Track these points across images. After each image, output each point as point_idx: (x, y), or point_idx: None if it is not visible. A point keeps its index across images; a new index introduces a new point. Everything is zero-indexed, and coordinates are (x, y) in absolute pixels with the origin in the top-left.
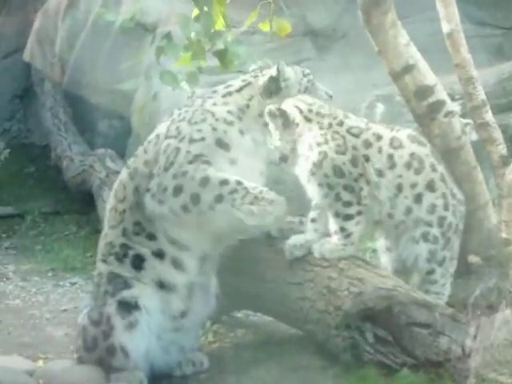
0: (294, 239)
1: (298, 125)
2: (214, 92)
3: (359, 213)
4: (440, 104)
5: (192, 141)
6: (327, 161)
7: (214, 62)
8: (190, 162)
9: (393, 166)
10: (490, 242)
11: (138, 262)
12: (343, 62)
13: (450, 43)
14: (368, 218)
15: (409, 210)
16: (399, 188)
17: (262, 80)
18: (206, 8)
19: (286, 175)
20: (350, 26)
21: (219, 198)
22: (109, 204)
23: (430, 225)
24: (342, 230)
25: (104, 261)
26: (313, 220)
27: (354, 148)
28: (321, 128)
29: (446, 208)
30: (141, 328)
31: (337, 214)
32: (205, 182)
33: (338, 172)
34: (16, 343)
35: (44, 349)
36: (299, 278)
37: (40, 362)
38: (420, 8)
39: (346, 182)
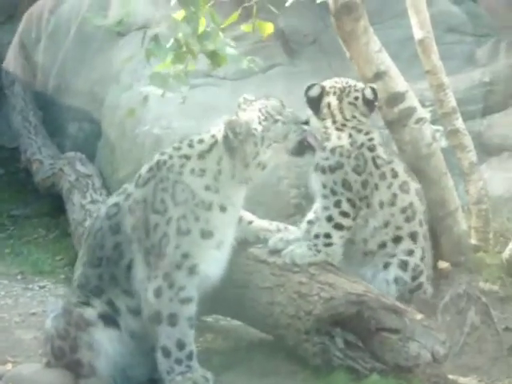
0: (284, 235)
1: (326, 128)
2: (191, 146)
3: (349, 228)
4: (411, 110)
5: (179, 232)
6: (341, 172)
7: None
8: (178, 267)
9: (393, 204)
10: (460, 248)
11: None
12: (314, 68)
13: (422, 50)
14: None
15: (383, 245)
16: (386, 224)
17: (220, 138)
18: (193, 8)
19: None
20: (322, 32)
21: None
22: (85, 235)
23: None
24: (327, 236)
25: (79, 286)
26: (309, 222)
27: (371, 174)
28: (351, 144)
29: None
30: (107, 344)
31: (329, 219)
32: (173, 320)
33: (347, 185)
34: None
35: (13, 352)
36: (269, 283)
37: (9, 366)
38: (392, 15)
39: (351, 197)
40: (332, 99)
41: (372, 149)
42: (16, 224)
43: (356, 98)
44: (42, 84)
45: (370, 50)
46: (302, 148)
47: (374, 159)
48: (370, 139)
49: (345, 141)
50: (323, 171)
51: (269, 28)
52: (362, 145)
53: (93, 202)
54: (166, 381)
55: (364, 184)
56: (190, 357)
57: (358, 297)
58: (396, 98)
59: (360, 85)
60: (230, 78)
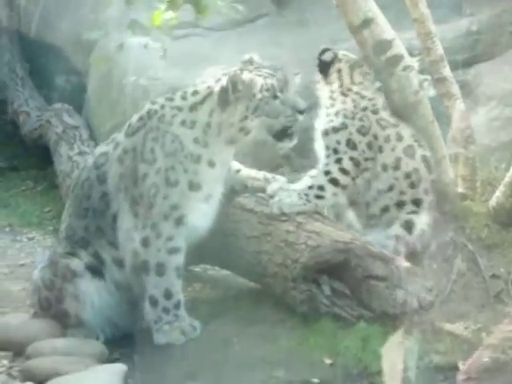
0: (282, 184)
1: (332, 92)
2: (184, 98)
3: (344, 187)
4: (398, 58)
5: (168, 183)
6: (345, 132)
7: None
8: (166, 218)
9: (396, 168)
10: (447, 197)
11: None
12: (302, 18)
13: None
14: (348, 196)
15: (386, 209)
16: (391, 188)
17: (217, 89)
18: None
19: None
20: None
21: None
22: (72, 186)
23: None
24: (320, 188)
25: (65, 237)
26: (311, 176)
27: (375, 137)
28: (355, 106)
29: None
30: (94, 295)
31: (326, 173)
32: (161, 269)
33: (351, 145)
34: None
35: (1, 303)
36: (257, 232)
37: None
38: None
39: (355, 156)
40: (344, 66)
41: (376, 111)
42: (3, 176)
43: (367, 73)
44: (26, 29)
45: None
46: (283, 134)
47: (378, 121)
48: (374, 104)
49: (349, 104)
50: (326, 133)
51: None
52: (366, 108)
53: (80, 153)
54: (154, 330)
55: (369, 145)
56: (177, 306)
57: (344, 245)
58: (383, 46)
59: None
60: (217, 28)
